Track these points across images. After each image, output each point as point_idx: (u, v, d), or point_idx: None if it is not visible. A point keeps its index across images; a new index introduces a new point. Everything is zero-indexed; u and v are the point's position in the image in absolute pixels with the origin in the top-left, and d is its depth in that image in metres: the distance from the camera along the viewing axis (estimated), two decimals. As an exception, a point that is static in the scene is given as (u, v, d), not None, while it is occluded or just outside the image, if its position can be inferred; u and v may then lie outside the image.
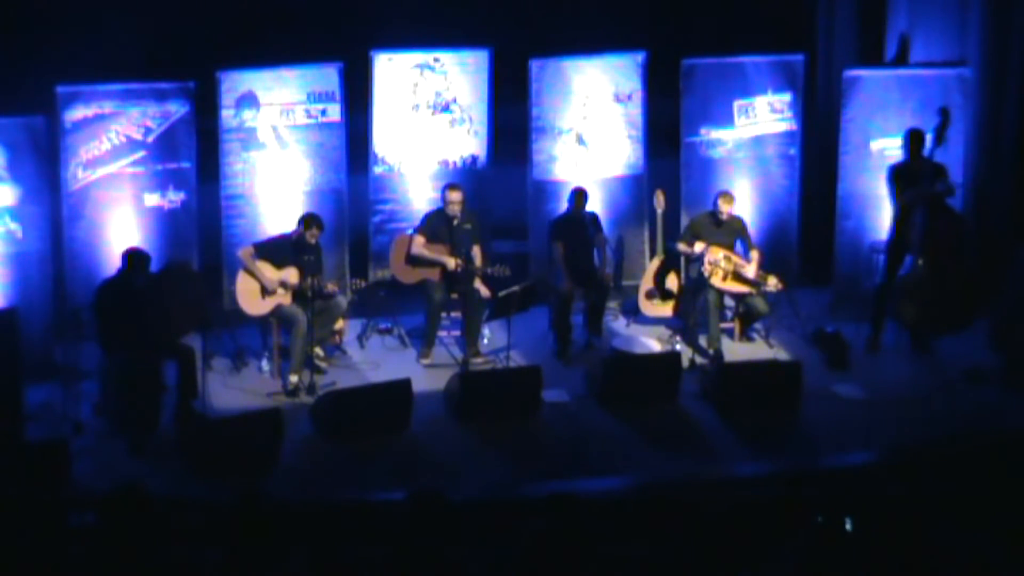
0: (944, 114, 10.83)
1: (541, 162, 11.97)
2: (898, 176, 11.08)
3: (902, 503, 7.48)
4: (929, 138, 10.84)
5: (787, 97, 12.15)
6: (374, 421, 9.77)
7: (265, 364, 10.78)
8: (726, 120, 12.10)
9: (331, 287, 10.57)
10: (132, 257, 9.80)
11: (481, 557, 6.13)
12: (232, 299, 10.79)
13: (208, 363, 10.18)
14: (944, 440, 9.84)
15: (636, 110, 12.04)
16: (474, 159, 11.87)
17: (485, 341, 11.21)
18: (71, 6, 11.70)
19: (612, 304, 11.83)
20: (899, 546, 6.56)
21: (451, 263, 10.90)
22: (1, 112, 10.33)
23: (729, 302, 11.38)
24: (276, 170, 11.35)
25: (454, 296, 11.07)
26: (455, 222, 10.97)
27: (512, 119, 12.03)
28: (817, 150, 12.49)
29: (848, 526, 6.45)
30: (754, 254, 11.16)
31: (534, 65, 11.83)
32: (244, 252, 10.63)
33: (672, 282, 11.58)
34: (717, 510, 7.62)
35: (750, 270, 11.03)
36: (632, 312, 11.86)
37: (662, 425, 10.08)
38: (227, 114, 11.13)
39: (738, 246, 11.24)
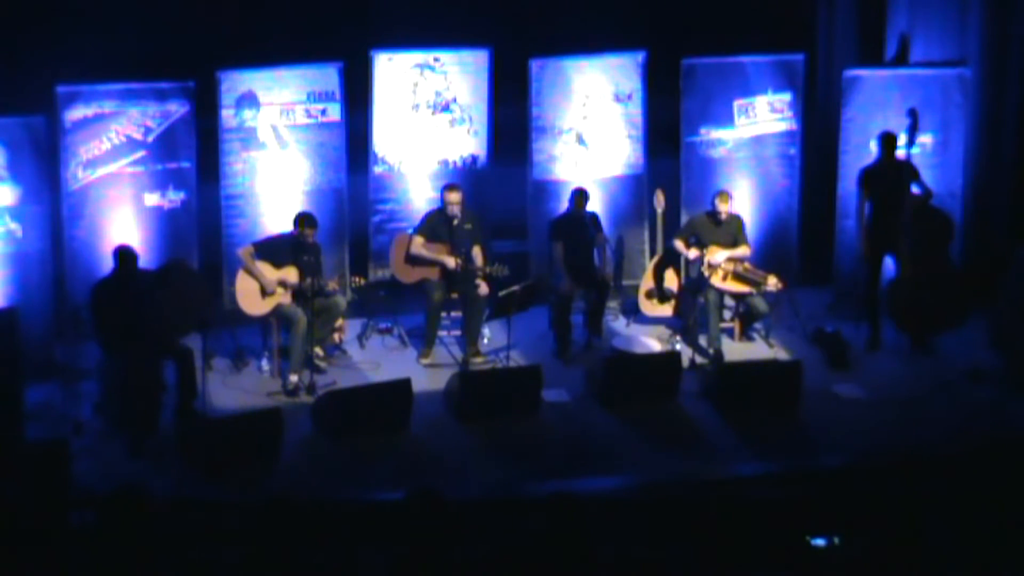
0: (913, 115, 11.00)
1: (541, 162, 11.97)
2: (867, 178, 11.19)
3: (900, 503, 7.49)
4: (904, 139, 10.99)
5: (787, 97, 12.15)
6: (374, 421, 9.78)
7: (265, 364, 10.78)
8: (726, 120, 12.10)
9: (332, 286, 10.58)
10: (123, 255, 9.79)
11: (481, 557, 6.13)
12: (232, 299, 10.79)
13: (208, 363, 10.18)
14: (944, 440, 9.84)
15: (636, 110, 12.04)
16: (474, 159, 11.87)
17: (485, 341, 11.21)
18: (71, 6, 11.70)
19: (612, 304, 11.82)
20: (898, 546, 6.56)
21: (451, 263, 10.90)
22: (1, 112, 10.33)
23: (729, 302, 11.38)
24: (276, 170, 11.35)
25: (454, 296, 11.08)
26: (455, 222, 10.97)
27: (512, 119, 12.04)
28: (817, 150, 12.49)
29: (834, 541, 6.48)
30: (740, 249, 11.13)
31: (534, 65, 11.83)
32: (244, 251, 10.63)
33: (672, 282, 11.58)
34: (717, 510, 7.62)
35: (720, 255, 11.00)
36: (632, 312, 11.86)
37: (662, 425, 10.08)
38: (227, 114, 11.13)
39: (739, 245, 11.28)
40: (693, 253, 11.09)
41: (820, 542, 6.72)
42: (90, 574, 5.90)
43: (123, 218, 10.87)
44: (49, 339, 10.55)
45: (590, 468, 9.42)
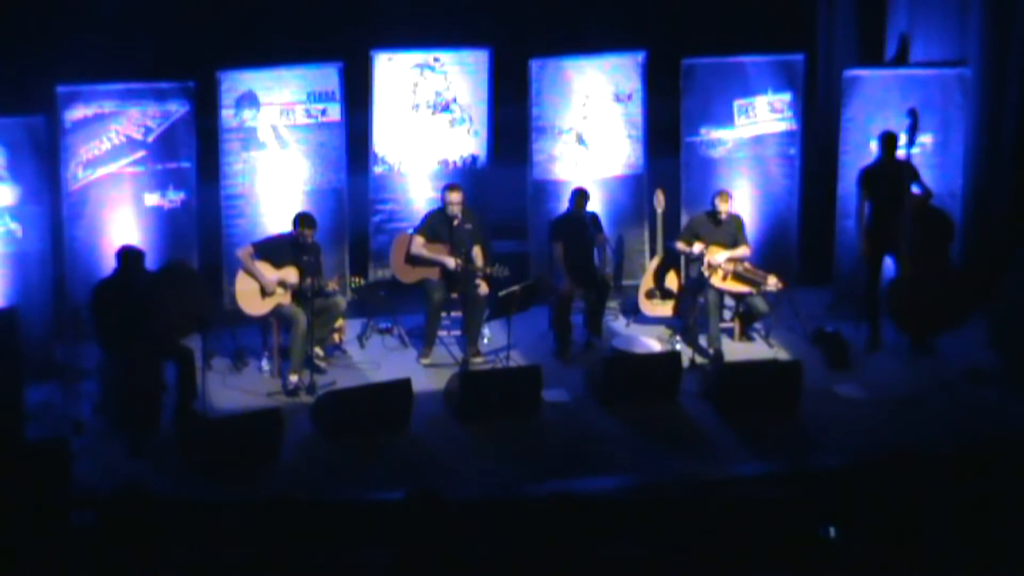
0: (913, 115, 11.01)
1: (541, 162, 11.97)
2: (868, 178, 11.21)
3: (900, 503, 7.49)
4: (904, 139, 10.99)
5: (787, 97, 12.15)
6: (374, 421, 9.78)
7: (265, 364, 10.78)
8: (726, 120, 12.10)
9: (332, 286, 10.59)
10: (127, 255, 9.80)
11: (481, 557, 6.13)
12: (232, 299, 10.80)
13: (208, 363, 10.18)
14: (944, 440, 9.84)
15: (636, 110, 12.04)
16: (474, 159, 11.87)
17: (485, 341, 11.21)
18: (71, 6, 11.69)
19: (612, 304, 11.82)
20: (898, 546, 6.56)
21: (451, 263, 10.91)
22: (1, 112, 10.33)
23: (729, 302, 11.38)
24: (276, 170, 11.35)
25: (454, 296, 11.08)
26: (455, 222, 10.97)
27: (512, 119, 12.03)
28: (817, 150, 12.49)
29: (832, 533, 6.48)
30: (741, 249, 11.15)
31: (534, 65, 11.83)
32: (243, 252, 10.63)
33: (672, 282, 11.59)
34: (717, 510, 7.62)
35: (721, 255, 11.01)
36: (632, 312, 11.87)
37: (662, 425, 10.08)
38: (227, 114, 11.13)
39: (738, 246, 11.28)
40: (698, 247, 11.08)
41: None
42: (90, 574, 5.90)
43: (123, 218, 10.87)
44: (49, 339, 10.54)
45: (590, 468, 9.42)
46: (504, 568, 6.02)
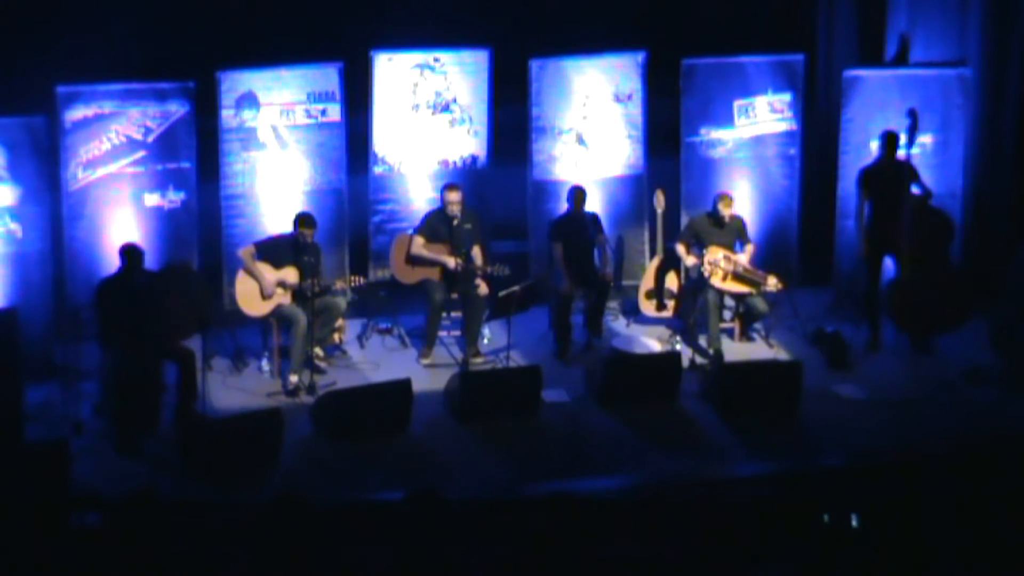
0: (913, 115, 11.01)
1: (541, 162, 11.97)
2: (867, 178, 11.21)
3: (902, 503, 7.49)
4: (904, 139, 11.00)
5: (787, 97, 12.15)
6: (374, 421, 9.78)
7: (265, 364, 10.78)
8: (726, 120, 12.10)
9: (340, 285, 10.61)
10: (129, 253, 9.80)
11: (481, 557, 6.13)
12: (232, 299, 10.80)
13: (208, 363, 10.18)
14: (944, 440, 9.84)
15: (636, 110, 12.04)
16: (474, 159, 11.87)
17: (485, 341, 11.21)
18: (71, 6, 11.69)
19: (612, 304, 11.83)
20: (899, 546, 6.56)
21: (451, 263, 10.91)
22: (1, 112, 10.33)
23: (729, 302, 11.38)
24: (276, 170, 11.35)
25: (454, 296, 11.08)
26: (455, 222, 10.97)
27: (512, 119, 12.03)
28: (817, 150, 12.50)
29: (854, 522, 6.47)
30: (748, 247, 11.18)
31: (534, 65, 11.83)
32: (244, 252, 10.63)
33: (672, 282, 11.58)
34: (717, 510, 7.62)
35: (741, 259, 11.03)
36: (632, 312, 11.87)
37: (662, 425, 10.08)
38: (227, 114, 11.13)
39: (737, 247, 11.25)
40: (691, 260, 11.09)
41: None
42: (92, 575, 5.90)
43: (123, 218, 10.87)
44: (49, 339, 10.55)
45: (590, 468, 9.42)
46: (504, 568, 6.02)
